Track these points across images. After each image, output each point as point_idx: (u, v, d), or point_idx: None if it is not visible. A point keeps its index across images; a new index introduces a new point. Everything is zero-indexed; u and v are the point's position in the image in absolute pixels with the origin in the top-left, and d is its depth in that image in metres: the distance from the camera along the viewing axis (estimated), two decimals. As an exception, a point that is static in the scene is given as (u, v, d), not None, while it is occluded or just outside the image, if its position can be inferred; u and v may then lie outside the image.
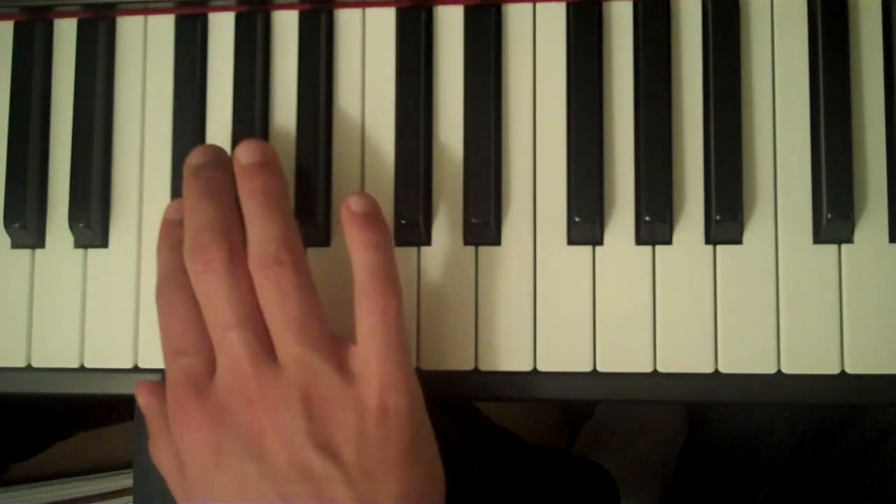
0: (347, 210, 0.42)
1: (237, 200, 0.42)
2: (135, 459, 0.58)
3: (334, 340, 0.40)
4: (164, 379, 0.42)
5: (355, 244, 0.41)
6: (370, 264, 0.40)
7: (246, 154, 0.42)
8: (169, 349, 0.41)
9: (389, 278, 0.40)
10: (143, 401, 0.43)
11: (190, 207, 0.42)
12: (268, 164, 0.42)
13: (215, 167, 0.43)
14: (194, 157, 0.43)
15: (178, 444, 0.40)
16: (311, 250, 0.45)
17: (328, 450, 0.38)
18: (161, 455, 0.42)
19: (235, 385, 0.39)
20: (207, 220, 0.41)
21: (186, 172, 0.43)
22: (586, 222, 0.43)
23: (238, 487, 0.38)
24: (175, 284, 0.41)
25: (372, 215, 0.42)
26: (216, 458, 0.39)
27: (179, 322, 0.41)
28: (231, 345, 0.39)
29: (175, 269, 0.42)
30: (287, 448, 0.38)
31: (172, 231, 0.43)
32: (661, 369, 0.43)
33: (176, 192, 0.46)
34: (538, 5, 0.45)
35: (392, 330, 0.40)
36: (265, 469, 0.38)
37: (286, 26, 0.47)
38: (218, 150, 0.44)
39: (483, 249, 0.44)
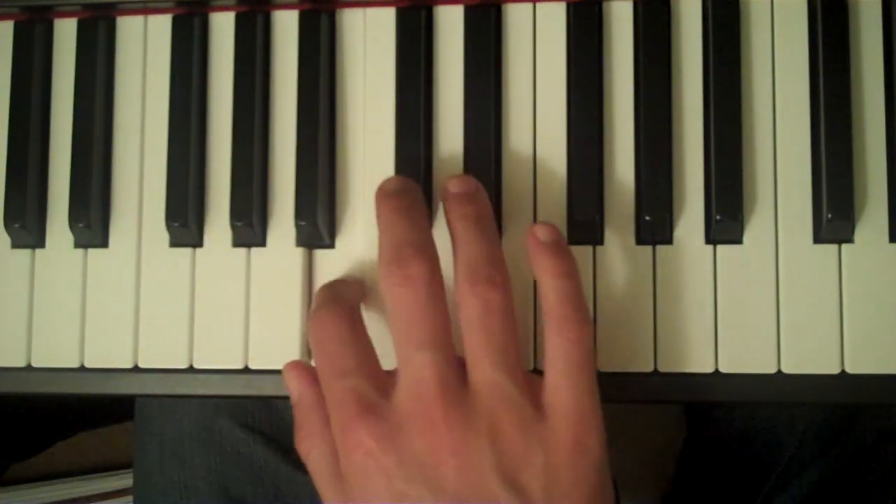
0: (535, 240, 0.41)
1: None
2: (135, 459, 0.58)
3: (526, 372, 0.39)
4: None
5: (546, 272, 0.40)
6: (562, 291, 0.39)
7: (457, 184, 0.42)
8: (330, 370, 0.39)
9: (582, 306, 0.39)
10: (296, 388, 0.42)
11: (386, 224, 0.41)
12: (478, 195, 0.42)
13: (409, 192, 0.43)
14: (388, 184, 0.43)
15: (344, 465, 0.38)
16: (311, 251, 0.45)
17: (515, 485, 0.36)
18: (311, 451, 0.41)
19: (419, 408, 0.37)
20: (407, 236, 0.40)
21: (379, 196, 0.42)
22: (586, 222, 0.43)
23: None
24: (328, 311, 0.40)
25: (560, 243, 0.41)
26: (387, 482, 0.37)
27: (337, 343, 0.39)
28: (420, 364, 0.38)
29: (329, 301, 0.41)
30: (469, 478, 0.36)
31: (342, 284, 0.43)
32: (661, 369, 0.43)
33: (175, 191, 0.46)
34: (538, 5, 0.45)
35: (587, 361, 0.38)
36: (441, 498, 0.36)
37: (286, 26, 0.47)
38: (410, 180, 0.44)
39: (483, 249, 0.44)
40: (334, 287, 0.43)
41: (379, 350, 0.41)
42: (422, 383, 0.38)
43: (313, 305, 0.42)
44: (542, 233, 0.41)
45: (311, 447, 0.41)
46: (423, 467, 0.37)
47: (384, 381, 0.39)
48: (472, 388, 0.38)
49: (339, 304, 0.41)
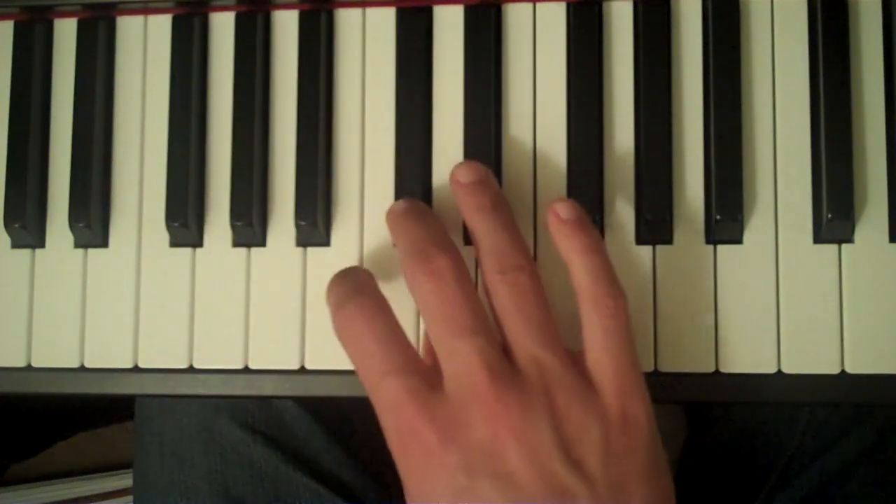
0: (557, 218, 0.41)
1: None
2: (135, 459, 0.58)
3: (567, 349, 0.39)
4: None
5: (572, 250, 0.40)
6: (592, 268, 0.39)
7: (466, 173, 0.42)
8: (373, 370, 0.38)
9: (614, 280, 0.39)
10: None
11: (402, 232, 0.41)
12: (488, 181, 0.42)
13: (419, 205, 0.43)
14: (397, 205, 0.43)
15: (404, 478, 0.38)
16: (311, 250, 0.45)
17: (575, 462, 0.36)
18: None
19: (471, 396, 0.37)
20: (426, 234, 0.40)
21: (391, 216, 0.42)
22: (586, 222, 0.43)
23: None
24: (357, 306, 0.39)
25: (582, 220, 0.41)
26: (449, 482, 0.36)
27: (376, 341, 0.38)
28: (465, 351, 0.37)
29: (353, 292, 0.40)
30: (534, 462, 0.36)
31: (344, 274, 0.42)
32: (661, 369, 0.43)
33: (175, 191, 0.46)
34: (538, 5, 0.45)
35: (625, 333, 0.39)
36: (506, 488, 0.35)
37: (286, 26, 0.47)
38: (416, 200, 0.44)
39: (483, 249, 0.44)
40: (353, 277, 0.42)
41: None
42: (471, 370, 0.37)
43: (334, 299, 0.41)
44: (563, 210, 0.41)
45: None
46: (486, 457, 0.36)
47: (431, 375, 0.38)
48: (520, 367, 0.38)
49: (366, 294, 0.40)
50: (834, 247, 0.43)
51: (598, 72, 0.44)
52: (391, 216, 0.43)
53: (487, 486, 0.36)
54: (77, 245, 0.46)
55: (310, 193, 0.45)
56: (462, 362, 0.37)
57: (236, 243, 0.46)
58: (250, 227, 0.45)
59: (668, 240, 0.44)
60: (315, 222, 0.45)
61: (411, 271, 0.39)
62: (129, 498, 0.98)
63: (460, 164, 0.43)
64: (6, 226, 0.46)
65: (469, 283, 0.39)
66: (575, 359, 0.39)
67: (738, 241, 0.43)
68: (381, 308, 0.40)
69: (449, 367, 0.38)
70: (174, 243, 0.46)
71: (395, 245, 0.44)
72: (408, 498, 0.38)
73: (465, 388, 0.37)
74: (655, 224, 0.43)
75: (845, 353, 0.43)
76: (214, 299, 0.45)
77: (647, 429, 0.38)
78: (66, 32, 0.48)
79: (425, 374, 0.38)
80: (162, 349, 0.45)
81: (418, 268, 0.39)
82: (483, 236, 0.41)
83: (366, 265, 0.45)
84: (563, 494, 0.35)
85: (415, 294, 0.39)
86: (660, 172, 0.43)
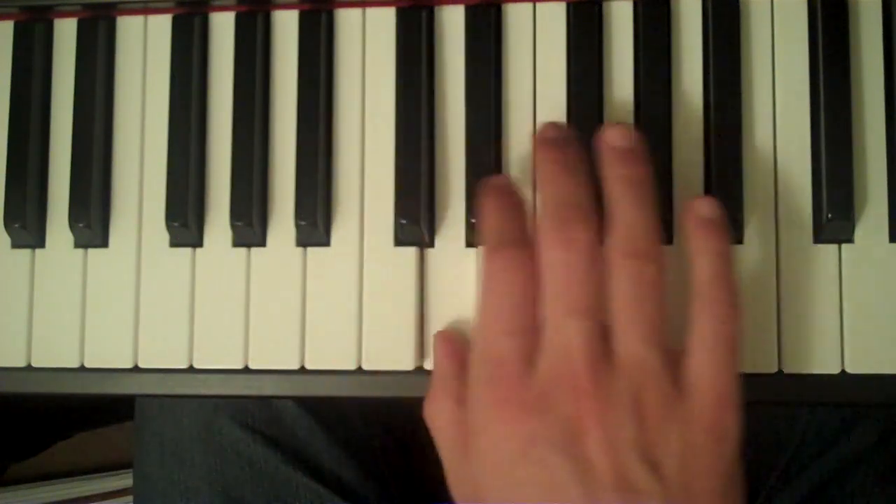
0: (697, 214, 0.40)
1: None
2: (135, 459, 0.58)
3: (670, 349, 0.38)
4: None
5: (703, 250, 0.39)
6: (718, 272, 0.39)
7: (618, 137, 0.41)
8: (495, 326, 0.39)
9: (736, 289, 0.39)
10: (439, 356, 0.42)
11: (550, 178, 0.40)
12: (640, 152, 0.41)
13: (572, 143, 0.41)
14: (550, 131, 0.42)
15: (476, 427, 0.38)
16: (311, 250, 0.45)
17: (653, 464, 0.35)
18: (440, 416, 0.40)
19: (565, 375, 0.37)
20: (572, 196, 0.39)
21: (541, 143, 0.41)
22: (586, 222, 0.43)
23: (540, 483, 0.36)
24: (514, 257, 0.39)
25: (722, 222, 0.40)
26: (523, 448, 0.36)
27: (516, 297, 0.39)
28: (570, 330, 0.37)
29: (512, 241, 0.39)
30: (610, 452, 0.35)
31: (505, 197, 0.41)
32: (661, 369, 0.43)
33: (175, 191, 0.46)
34: (538, 5, 0.45)
35: (734, 343, 0.38)
36: (579, 470, 0.35)
37: (286, 26, 0.47)
38: (569, 129, 0.42)
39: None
40: (513, 222, 0.41)
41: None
42: (570, 350, 0.37)
43: (491, 230, 0.40)
44: (706, 208, 0.40)
45: (438, 412, 0.40)
46: (565, 434, 0.36)
47: (533, 343, 0.38)
48: (618, 359, 0.37)
49: (519, 248, 0.39)
50: (834, 247, 0.43)
51: (598, 72, 0.44)
52: (541, 143, 0.41)
53: (560, 463, 0.36)
54: (77, 245, 0.46)
55: (310, 193, 0.45)
56: (566, 340, 0.37)
57: (236, 243, 0.46)
58: (250, 227, 0.45)
59: (668, 240, 0.44)
60: (315, 222, 0.45)
61: (547, 229, 0.39)
62: (129, 498, 0.98)
63: (613, 125, 0.41)
64: (6, 226, 0.46)
65: (598, 261, 0.38)
66: (676, 360, 0.38)
67: (739, 241, 0.43)
68: (525, 266, 0.39)
69: (552, 338, 0.38)
70: (174, 243, 0.46)
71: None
72: (467, 446, 0.38)
73: (562, 364, 0.37)
74: (655, 224, 0.43)
75: (845, 353, 0.43)
76: (214, 299, 0.45)
77: (734, 443, 0.37)
78: (66, 32, 0.48)
79: (533, 342, 0.38)
80: (162, 349, 0.45)
81: (558, 231, 0.38)
82: (618, 209, 0.39)
83: (366, 265, 0.45)
84: (634, 491, 0.35)
85: (542, 254, 0.39)
86: (660, 173, 0.43)
